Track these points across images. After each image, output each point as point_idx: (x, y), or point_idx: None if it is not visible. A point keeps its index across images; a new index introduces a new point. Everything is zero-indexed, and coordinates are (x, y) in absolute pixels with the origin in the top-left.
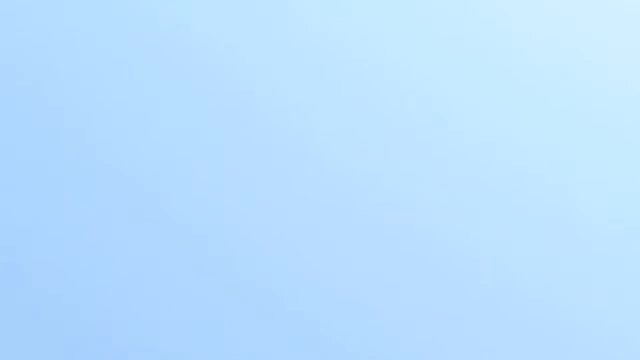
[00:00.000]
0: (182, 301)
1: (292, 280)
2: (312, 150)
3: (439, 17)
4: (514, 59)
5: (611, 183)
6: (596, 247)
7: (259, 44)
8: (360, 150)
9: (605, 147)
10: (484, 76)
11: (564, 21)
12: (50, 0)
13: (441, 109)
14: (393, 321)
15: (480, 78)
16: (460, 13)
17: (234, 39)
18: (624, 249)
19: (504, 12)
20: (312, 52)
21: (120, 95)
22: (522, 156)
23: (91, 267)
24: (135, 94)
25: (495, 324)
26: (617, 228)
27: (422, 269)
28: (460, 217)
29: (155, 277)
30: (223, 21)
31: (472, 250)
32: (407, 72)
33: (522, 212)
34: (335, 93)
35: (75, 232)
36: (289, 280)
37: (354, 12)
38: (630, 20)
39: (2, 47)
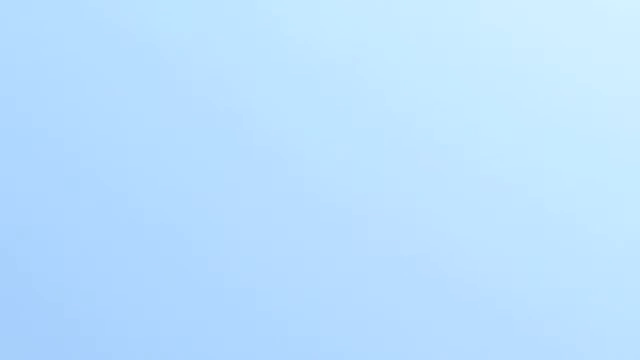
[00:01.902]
0: (172, 306)
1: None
2: (298, 148)
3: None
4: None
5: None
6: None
7: (251, 55)
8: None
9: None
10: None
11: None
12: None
13: (435, 117)
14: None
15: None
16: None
17: (223, 48)
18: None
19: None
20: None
21: (110, 97)
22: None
23: (83, 269)
24: (122, 95)
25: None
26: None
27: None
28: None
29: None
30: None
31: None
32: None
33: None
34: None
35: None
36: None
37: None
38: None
39: None
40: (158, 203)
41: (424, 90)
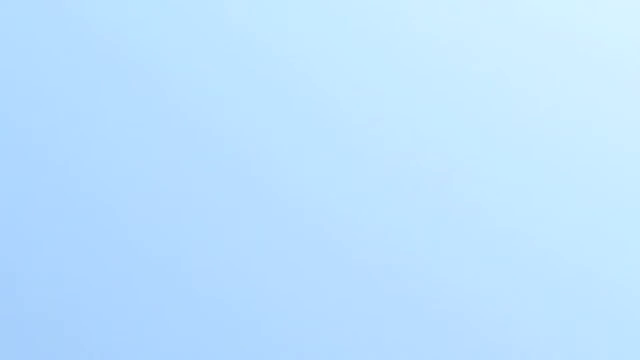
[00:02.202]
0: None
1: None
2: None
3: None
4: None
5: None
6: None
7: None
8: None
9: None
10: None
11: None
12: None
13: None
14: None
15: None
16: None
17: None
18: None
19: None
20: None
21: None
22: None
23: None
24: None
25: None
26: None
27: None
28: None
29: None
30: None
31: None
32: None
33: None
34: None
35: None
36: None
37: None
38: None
39: None
40: (145, 209)
41: (412, 105)
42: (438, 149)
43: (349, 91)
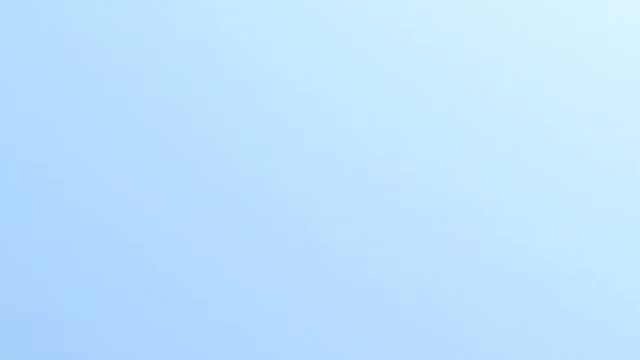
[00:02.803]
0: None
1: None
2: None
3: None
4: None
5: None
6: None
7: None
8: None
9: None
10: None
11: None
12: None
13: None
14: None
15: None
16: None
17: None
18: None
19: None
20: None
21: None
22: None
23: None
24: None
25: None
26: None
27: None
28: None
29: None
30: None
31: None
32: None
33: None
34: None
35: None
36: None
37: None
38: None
39: None
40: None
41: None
42: (435, 153)
43: (340, 94)
